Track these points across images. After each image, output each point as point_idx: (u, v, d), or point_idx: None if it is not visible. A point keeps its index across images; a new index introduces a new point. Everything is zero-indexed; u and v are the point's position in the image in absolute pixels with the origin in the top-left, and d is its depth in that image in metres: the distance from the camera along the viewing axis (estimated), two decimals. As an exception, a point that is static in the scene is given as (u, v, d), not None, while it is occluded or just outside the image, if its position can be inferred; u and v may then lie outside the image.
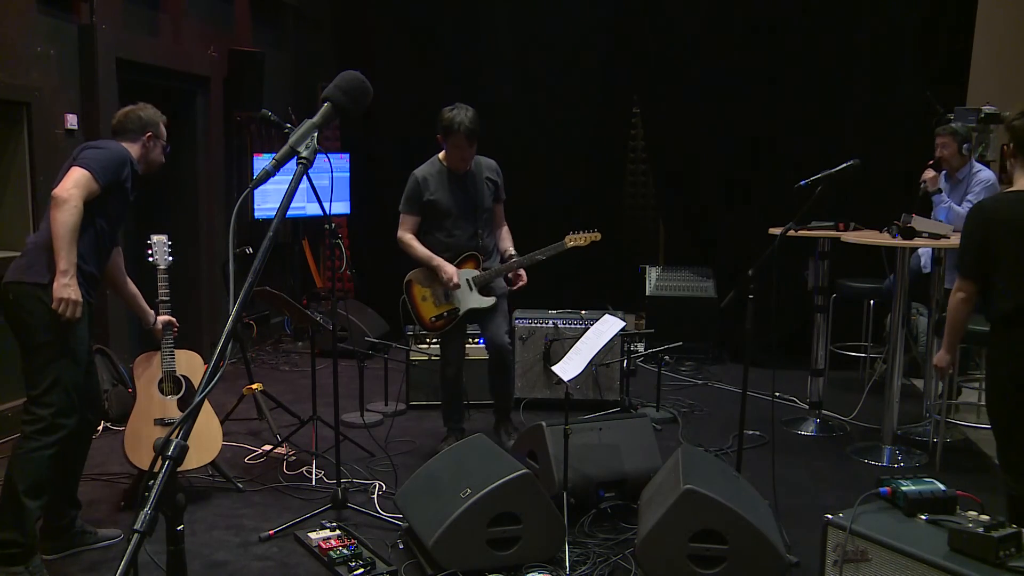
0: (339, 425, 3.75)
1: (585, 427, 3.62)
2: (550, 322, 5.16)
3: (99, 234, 3.10)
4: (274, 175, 1.47)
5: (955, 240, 4.25)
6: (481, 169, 4.32)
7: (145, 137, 3.32)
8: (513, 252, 4.39)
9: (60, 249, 2.87)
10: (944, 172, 4.94)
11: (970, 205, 4.67)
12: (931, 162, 4.94)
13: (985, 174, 4.83)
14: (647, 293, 6.49)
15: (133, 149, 3.26)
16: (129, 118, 3.32)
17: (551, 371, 3.98)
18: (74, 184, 2.91)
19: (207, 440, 3.69)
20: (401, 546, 3.26)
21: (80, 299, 2.93)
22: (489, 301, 4.28)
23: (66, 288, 2.88)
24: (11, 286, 2.98)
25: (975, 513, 2.38)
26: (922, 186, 4.93)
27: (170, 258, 3.69)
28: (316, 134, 1.57)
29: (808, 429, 4.84)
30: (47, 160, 4.70)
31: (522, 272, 4.34)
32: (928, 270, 5.11)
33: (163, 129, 3.44)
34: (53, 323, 2.92)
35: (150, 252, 3.66)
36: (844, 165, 3.58)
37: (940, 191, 4.83)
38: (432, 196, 4.22)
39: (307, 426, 4.32)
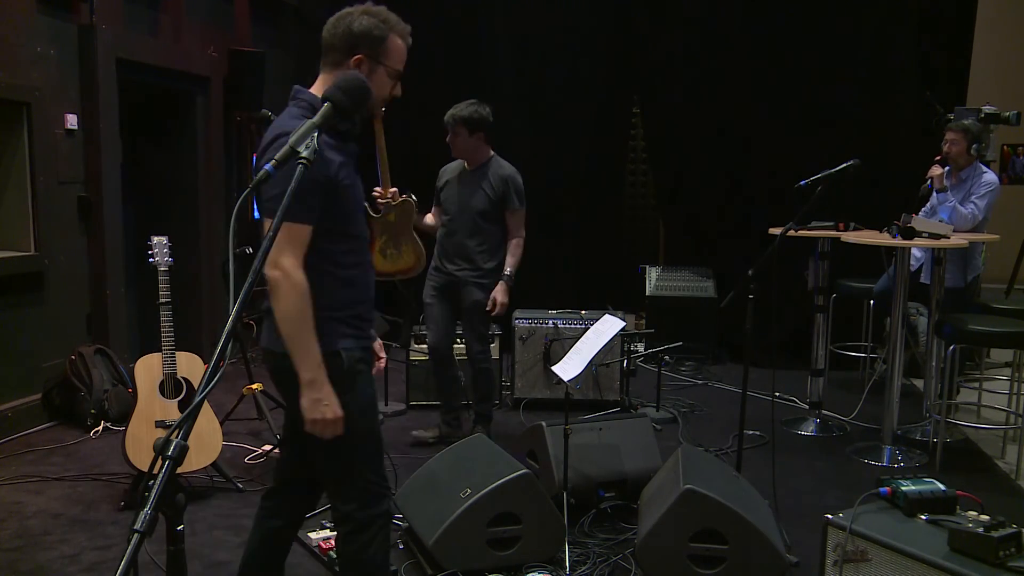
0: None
1: (585, 427, 3.62)
2: (550, 322, 5.16)
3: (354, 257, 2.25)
4: (274, 175, 1.47)
5: (955, 240, 4.26)
6: (492, 171, 4.24)
7: (352, 61, 2.24)
8: (508, 272, 4.24)
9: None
10: (947, 170, 4.92)
11: (974, 207, 4.68)
12: (938, 158, 4.93)
13: (990, 176, 4.81)
14: (647, 293, 6.49)
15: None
16: (336, 33, 2.27)
17: (551, 371, 3.98)
18: (278, 250, 2.02)
19: (207, 441, 3.69)
20: (401, 546, 3.26)
21: (338, 415, 2.12)
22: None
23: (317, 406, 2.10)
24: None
25: (975, 513, 2.38)
26: (927, 183, 4.92)
27: (170, 259, 3.69)
28: (316, 134, 1.57)
29: (808, 429, 4.84)
30: (47, 160, 4.70)
31: (499, 296, 4.20)
32: (914, 267, 5.11)
33: (395, 42, 2.30)
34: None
35: (150, 253, 3.66)
36: (844, 165, 3.58)
37: (945, 189, 4.82)
38: (440, 186, 4.32)
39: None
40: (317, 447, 2.17)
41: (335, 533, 3.26)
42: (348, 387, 2.15)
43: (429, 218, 4.44)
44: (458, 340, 4.54)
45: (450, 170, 4.36)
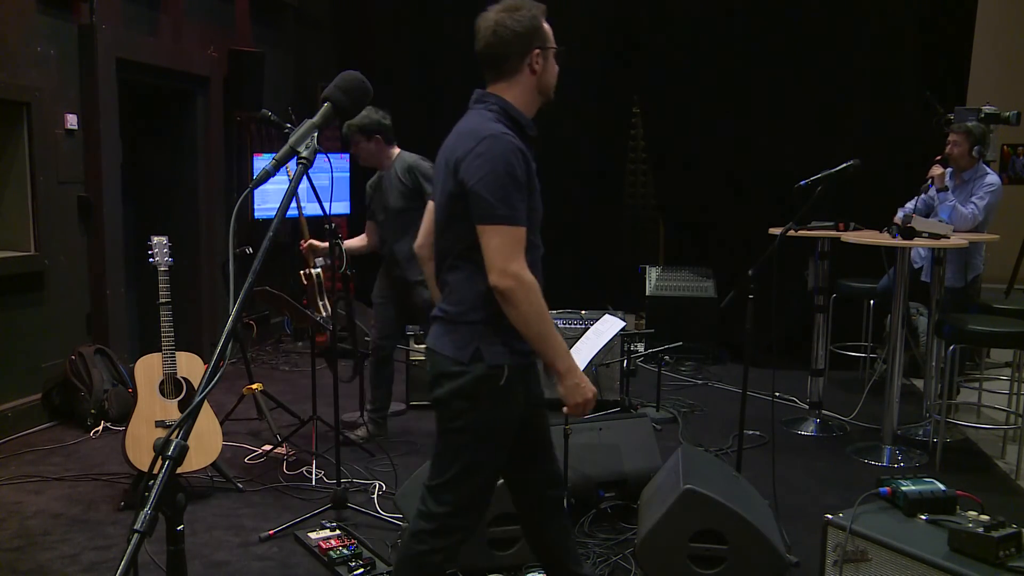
0: (339, 425, 3.74)
1: (585, 427, 3.62)
2: (550, 322, 5.15)
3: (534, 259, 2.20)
4: (274, 175, 1.47)
5: (955, 240, 4.26)
6: (398, 168, 4.21)
7: (533, 57, 2.22)
8: None
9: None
10: (950, 170, 4.93)
11: (974, 208, 4.68)
12: (939, 158, 4.93)
13: (992, 178, 4.80)
14: (647, 293, 6.49)
15: (512, 94, 2.23)
16: (502, 41, 2.17)
17: (551, 371, 3.97)
18: (504, 257, 2.02)
19: (207, 442, 3.69)
20: (401, 546, 3.26)
21: (595, 391, 2.19)
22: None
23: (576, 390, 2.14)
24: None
25: (975, 513, 2.38)
26: (927, 183, 4.92)
27: (170, 259, 3.69)
28: (316, 134, 1.57)
29: (808, 429, 4.84)
30: (47, 160, 4.70)
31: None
32: (917, 265, 5.11)
33: (545, 23, 2.26)
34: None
35: (150, 253, 3.67)
36: (844, 165, 3.58)
37: (947, 188, 4.82)
38: (368, 202, 4.36)
39: (304, 426, 4.32)
40: (445, 446, 2.21)
41: (335, 533, 3.28)
42: (499, 402, 2.16)
43: (355, 241, 4.43)
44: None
45: (371, 183, 4.36)
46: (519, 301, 2.02)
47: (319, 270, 4.69)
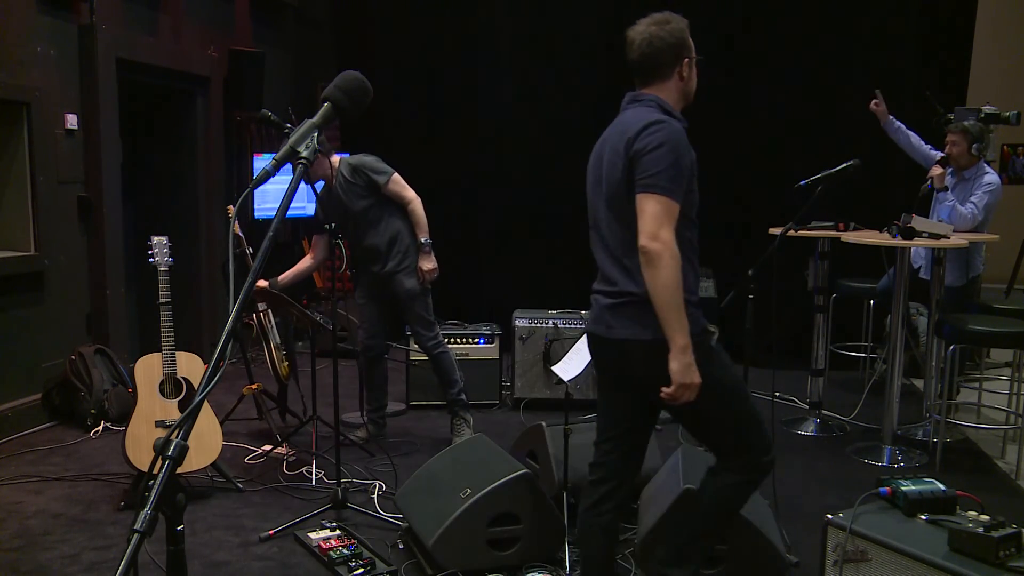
0: (339, 425, 3.74)
1: (585, 427, 3.61)
2: (550, 322, 5.16)
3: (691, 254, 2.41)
4: (274, 175, 1.46)
5: (955, 240, 4.26)
6: (343, 171, 4.20)
7: (683, 65, 2.46)
8: (422, 239, 4.23)
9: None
10: (951, 170, 4.93)
11: (973, 207, 4.68)
12: (939, 158, 4.94)
13: (991, 177, 4.80)
14: (647, 293, 6.48)
15: (668, 93, 2.46)
16: (657, 50, 2.40)
17: (551, 371, 3.97)
18: (658, 224, 2.20)
19: (207, 441, 3.69)
20: (401, 546, 3.26)
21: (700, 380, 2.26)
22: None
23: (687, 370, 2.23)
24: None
25: (975, 513, 2.38)
26: (927, 183, 4.92)
27: (170, 259, 3.69)
28: (316, 134, 1.57)
29: (808, 429, 4.84)
30: (47, 160, 4.70)
31: (423, 266, 4.23)
32: (917, 264, 5.11)
33: (688, 34, 2.48)
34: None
35: (150, 253, 3.67)
36: (844, 165, 3.58)
37: (947, 188, 4.82)
38: (320, 217, 4.30)
39: (303, 426, 4.32)
40: (708, 418, 2.40)
41: (335, 533, 3.27)
42: (716, 360, 2.37)
43: (299, 266, 4.39)
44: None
45: (321, 197, 4.30)
46: (664, 265, 2.18)
47: (262, 310, 4.62)
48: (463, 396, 4.50)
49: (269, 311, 4.55)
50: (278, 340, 4.59)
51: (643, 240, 2.19)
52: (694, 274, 2.41)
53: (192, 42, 5.90)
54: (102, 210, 5.07)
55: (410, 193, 4.23)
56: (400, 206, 4.24)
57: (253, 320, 4.56)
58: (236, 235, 4.51)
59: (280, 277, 4.26)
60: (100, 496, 3.79)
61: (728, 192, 6.61)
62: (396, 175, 4.21)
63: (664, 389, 2.25)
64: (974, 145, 4.79)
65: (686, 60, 2.44)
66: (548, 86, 6.80)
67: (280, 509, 3.66)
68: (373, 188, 4.16)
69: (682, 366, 2.21)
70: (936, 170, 4.88)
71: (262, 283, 4.26)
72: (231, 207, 4.38)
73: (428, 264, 4.23)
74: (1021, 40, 7.63)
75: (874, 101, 5.14)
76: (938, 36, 6.16)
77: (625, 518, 3.45)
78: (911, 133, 5.18)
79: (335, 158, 4.24)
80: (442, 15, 6.86)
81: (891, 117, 5.17)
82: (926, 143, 5.14)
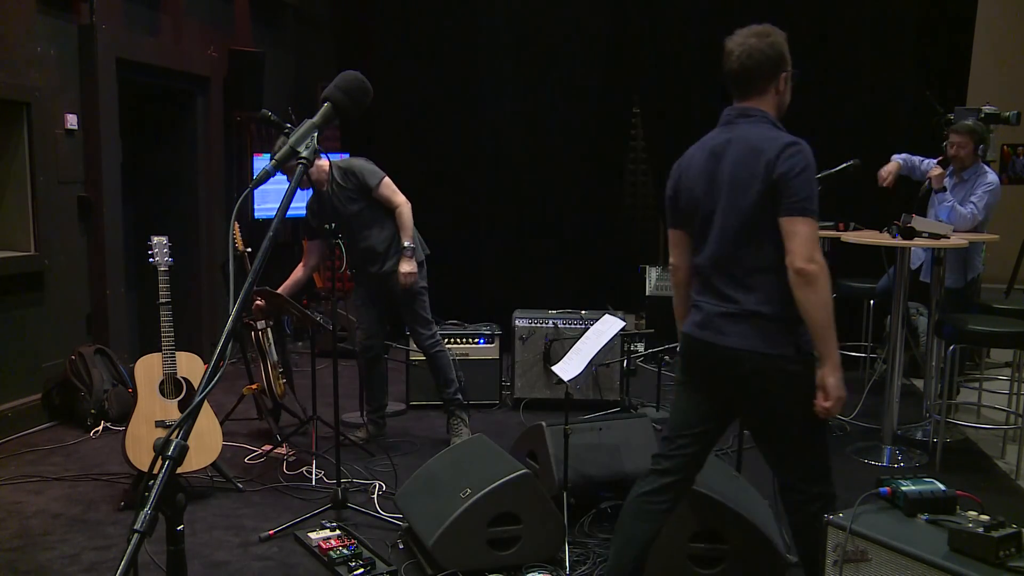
0: (339, 425, 3.74)
1: (585, 427, 3.62)
2: (550, 322, 5.16)
3: None
4: (274, 175, 1.47)
5: (955, 240, 4.26)
6: (336, 175, 4.20)
7: (781, 79, 2.54)
8: (405, 244, 4.17)
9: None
10: (950, 170, 4.92)
11: (973, 207, 4.67)
12: (939, 159, 4.93)
13: (991, 177, 4.79)
14: (647, 293, 6.49)
15: (767, 107, 2.53)
16: (758, 63, 2.49)
17: (551, 371, 3.97)
18: (813, 246, 2.26)
19: (207, 441, 3.69)
20: (401, 546, 3.26)
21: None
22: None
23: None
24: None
25: (975, 513, 2.38)
26: (926, 183, 4.92)
27: (170, 259, 3.69)
28: (316, 134, 1.57)
29: (808, 429, 4.83)
30: (47, 160, 4.70)
31: (401, 267, 4.17)
32: (914, 266, 5.10)
33: (787, 48, 2.54)
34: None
35: (150, 253, 3.67)
36: (844, 165, 3.58)
37: (945, 189, 4.82)
38: (313, 222, 4.34)
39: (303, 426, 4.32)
40: (794, 438, 2.45)
41: (335, 533, 3.28)
42: (813, 386, 2.37)
43: (295, 275, 4.35)
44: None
45: (311, 203, 4.32)
46: (821, 287, 2.24)
47: (261, 329, 4.59)
48: (459, 396, 4.51)
49: (268, 330, 4.54)
50: (275, 358, 4.58)
51: (800, 262, 2.24)
52: None
53: (192, 42, 5.90)
54: (102, 210, 5.07)
55: (400, 198, 4.21)
56: (391, 216, 4.25)
57: (251, 338, 4.55)
58: (240, 251, 4.51)
59: (279, 290, 4.26)
60: (100, 496, 3.79)
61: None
62: (387, 179, 4.20)
63: (820, 402, 2.32)
64: (980, 146, 4.79)
65: (783, 75, 2.49)
66: (549, 86, 6.80)
67: (280, 509, 3.66)
68: (364, 191, 4.17)
69: (837, 380, 2.30)
70: (936, 170, 4.88)
71: (260, 302, 4.30)
72: (236, 224, 4.37)
73: (406, 267, 4.16)
74: (1021, 40, 7.63)
75: (883, 183, 5.00)
76: (938, 36, 6.16)
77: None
78: (915, 159, 5.06)
79: (324, 161, 4.23)
80: (442, 15, 6.86)
81: (900, 161, 5.04)
82: (922, 158, 5.08)
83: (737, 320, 2.38)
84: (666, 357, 5.40)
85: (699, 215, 2.46)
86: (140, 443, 3.57)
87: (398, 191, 4.23)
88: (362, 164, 4.21)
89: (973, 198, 4.73)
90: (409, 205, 4.22)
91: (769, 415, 2.45)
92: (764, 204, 2.31)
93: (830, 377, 2.29)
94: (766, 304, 2.34)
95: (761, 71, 2.45)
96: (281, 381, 4.59)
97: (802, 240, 2.24)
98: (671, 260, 2.64)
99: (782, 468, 2.56)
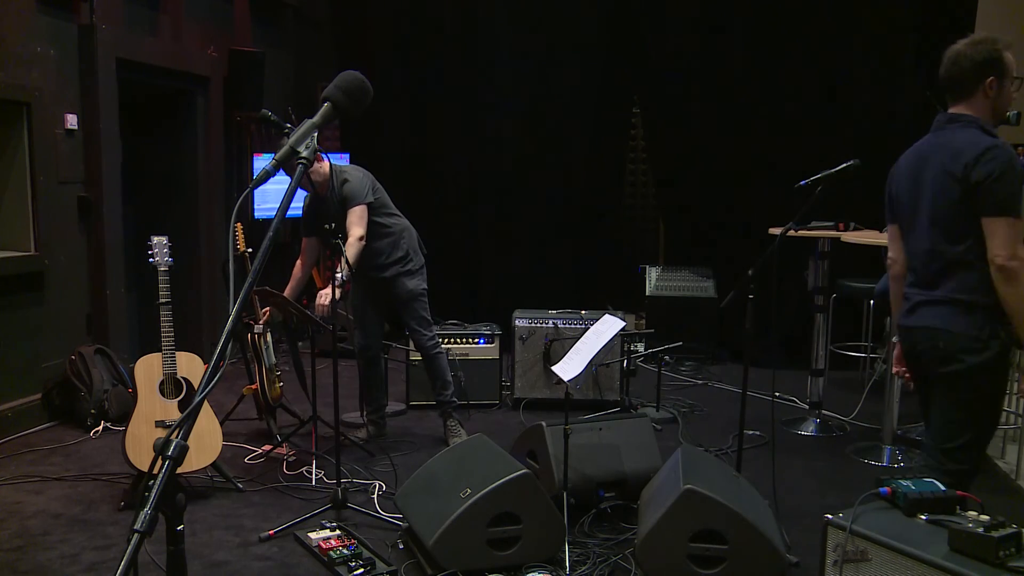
0: (339, 425, 3.74)
1: (585, 427, 3.62)
2: (550, 322, 5.16)
3: None
4: (274, 175, 1.46)
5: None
6: (335, 182, 4.18)
7: (987, 84, 2.58)
8: (338, 275, 3.81)
9: None
10: None
11: None
12: None
13: None
14: (647, 293, 6.49)
15: (978, 110, 2.60)
16: (963, 68, 2.58)
17: (551, 371, 3.97)
18: (1013, 244, 2.43)
19: (207, 441, 3.69)
20: (401, 546, 3.26)
21: None
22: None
23: None
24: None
25: (975, 513, 2.38)
26: None
27: (170, 259, 3.69)
28: (316, 134, 1.57)
29: (808, 429, 4.84)
30: (47, 160, 4.70)
31: (323, 292, 3.98)
32: None
33: (1008, 56, 2.59)
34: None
35: (150, 253, 3.67)
36: (844, 165, 3.57)
37: None
38: (310, 223, 4.33)
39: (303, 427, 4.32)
40: (985, 415, 2.62)
41: (335, 533, 3.28)
42: (1006, 373, 2.59)
43: (296, 275, 4.34)
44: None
45: (308, 202, 4.30)
46: (1022, 282, 2.41)
47: (258, 333, 4.54)
48: (455, 399, 4.52)
49: (267, 334, 4.54)
50: (271, 363, 4.58)
51: (1002, 260, 2.41)
52: None
53: (192, 42, 5.90)
54: (102, 210, 5.07)
55: (358, 231, 4.04)
56: (393, 213, 4.25)
57: (248, 341, 4.55)
58: (240, 252, 4.50)
59: (284, 294, 4.25)
60: (100, 496, 3.79)
61: (728, 192, 6.61)
62: (362, 207, 4.08)
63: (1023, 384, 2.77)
64: None
65: (991, 79, 2.55)
66: (549, 86, 6.80)
67: (280, 509, 3.66)
68: (343, 206, 4.15)
69: None
70: None
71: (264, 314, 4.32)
72: (239, 225, 4.36)
73: (326, 295, 3.89)
74: (1021, 40, 7.62)
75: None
76: (938, 36, 6.15)
77: (625, 518, 3.47)
78: None
79: (324, 164, 4.20)
80: (442, 15, 6.86)
81: None
82: None
83: (935, 304, 2.59)
84: (666, 357, 5.41)
85: (905, 213, 2.71)
86: (140, 443, 3.57)
87: (362, 223, 4.08)
88: (353, 182, 4.13)
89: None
90: (362, 243, 4.04)
91: (951, 387, 2.60)
92: (963, 205, 2.49)
93: None
94: (963, 293, 2.52)
95: (964, 76, 2.57)
96: (277, 385, 4.58)
97: (1002, 239, 2.42)
98: (889, 254, 2.84)
99: (953, 445, 2.66)
